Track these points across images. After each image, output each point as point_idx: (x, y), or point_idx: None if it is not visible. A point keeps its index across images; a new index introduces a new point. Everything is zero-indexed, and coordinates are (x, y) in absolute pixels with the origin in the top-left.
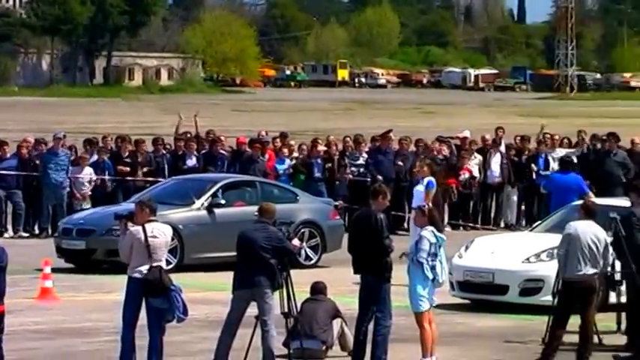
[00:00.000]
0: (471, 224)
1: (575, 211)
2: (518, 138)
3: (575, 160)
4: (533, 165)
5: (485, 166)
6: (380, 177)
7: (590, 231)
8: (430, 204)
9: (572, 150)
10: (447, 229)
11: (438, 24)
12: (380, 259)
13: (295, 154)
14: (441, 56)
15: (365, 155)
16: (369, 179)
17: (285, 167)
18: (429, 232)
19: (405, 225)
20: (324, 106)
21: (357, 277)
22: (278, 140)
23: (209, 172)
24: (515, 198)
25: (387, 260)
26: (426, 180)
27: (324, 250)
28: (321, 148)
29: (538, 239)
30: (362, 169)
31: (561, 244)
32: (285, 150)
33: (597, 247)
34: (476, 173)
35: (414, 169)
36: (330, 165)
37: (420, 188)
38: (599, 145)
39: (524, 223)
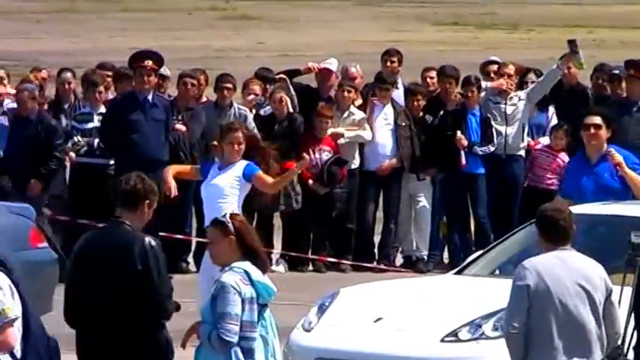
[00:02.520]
0: (331, 259)
1: None
2: (432, 76)
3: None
4: (459, 132)
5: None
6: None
7: (572, 273)
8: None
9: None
10: (278, 268)
11: None
12: (149, 337)
13: None
14: None
15: (101, 111)
16: (111, 163)
17: None
18: (234, 276)
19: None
20: None
21: None
22: None
23: None
24: (425, 201)
25: (163, 336)
26: (240, 165)
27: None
28: (8, 91)
29: (475, 291)
30: (97, 141)
31: (514, 309)
32: None
33: (593, 305)
34: (354, 155)
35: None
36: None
37: (220, 181)
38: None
39: (445, 254)
